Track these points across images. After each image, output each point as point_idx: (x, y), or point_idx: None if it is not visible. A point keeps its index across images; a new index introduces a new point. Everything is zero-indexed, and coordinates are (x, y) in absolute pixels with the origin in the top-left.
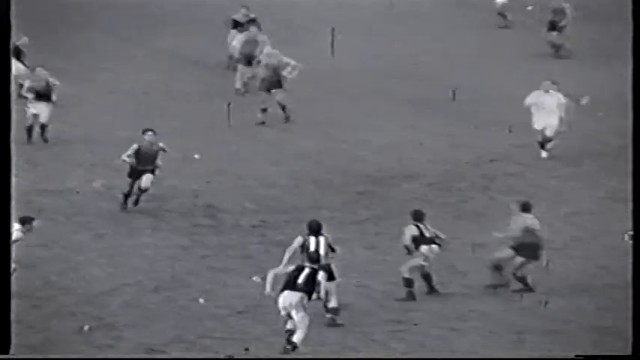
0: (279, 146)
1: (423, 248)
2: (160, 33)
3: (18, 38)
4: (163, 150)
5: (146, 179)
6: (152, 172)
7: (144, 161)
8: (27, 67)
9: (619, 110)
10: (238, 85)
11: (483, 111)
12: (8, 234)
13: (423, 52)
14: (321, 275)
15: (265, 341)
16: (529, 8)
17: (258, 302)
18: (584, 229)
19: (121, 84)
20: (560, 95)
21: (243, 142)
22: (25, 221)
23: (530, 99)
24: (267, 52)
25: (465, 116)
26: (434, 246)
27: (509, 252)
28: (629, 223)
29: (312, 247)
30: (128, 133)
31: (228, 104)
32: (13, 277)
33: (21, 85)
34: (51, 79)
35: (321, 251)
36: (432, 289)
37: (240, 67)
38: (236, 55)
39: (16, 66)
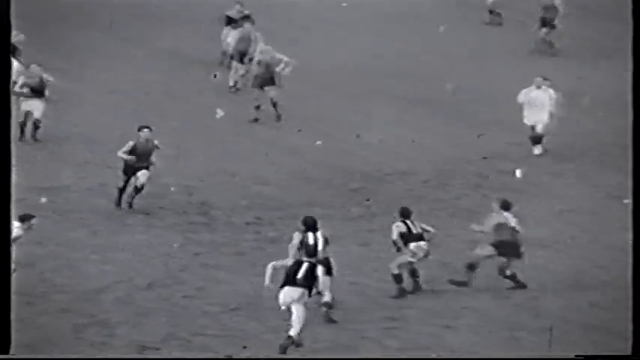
0: (274, 144)
1: (411, 245)
2: (160, 33)
3: (14, 35)
4: (157, 147)
5: (142, 175)
6: (147, 168)
7: (139, 158)
8: (22, 64)
9: (619, 110)
10: (232, 82)
11: (482, 110)
12: (8, 234)
13: (423, 52)
14: (319, 269)
15: (260, 338)
16: None
17: (252, 299)
18: (584, 229)
19: (121, 84)
20: (551, 91)
21: (237, 139)
22: (24, 219)
23: (523, 96)
24: (260, 49)
25: (464, 116)
26: (422, 243)
27: (490, 249)
28: (629, 223)
29: (310, 242)
30: (128, 132)
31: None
32: (13, 277)
33: (15, 82)
34: (45, 75)
35: (319, 246)
36: (417, 286)
37: (234, 64)
38: (230, 51)
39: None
